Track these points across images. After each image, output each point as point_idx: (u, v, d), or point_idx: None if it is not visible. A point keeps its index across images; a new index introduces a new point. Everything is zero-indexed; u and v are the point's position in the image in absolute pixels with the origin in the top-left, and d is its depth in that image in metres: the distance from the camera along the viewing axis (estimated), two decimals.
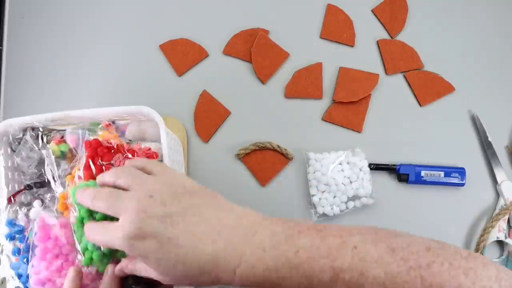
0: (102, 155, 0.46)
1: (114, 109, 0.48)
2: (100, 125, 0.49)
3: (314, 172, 0.60)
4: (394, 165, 0.60)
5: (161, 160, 0.49)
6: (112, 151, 0.47)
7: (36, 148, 0.49)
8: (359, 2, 0.66)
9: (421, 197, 0.61)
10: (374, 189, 0.59)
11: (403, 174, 0.60)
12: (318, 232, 0.34)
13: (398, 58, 0.64)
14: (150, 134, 0.51)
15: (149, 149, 0.49)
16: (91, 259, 0.40)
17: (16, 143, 0.50)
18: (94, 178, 0.43)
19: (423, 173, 0.59)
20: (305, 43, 0.65)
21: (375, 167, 0.60)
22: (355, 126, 0.63)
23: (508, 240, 0.58)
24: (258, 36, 0.65)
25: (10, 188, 0.50)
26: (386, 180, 0.61)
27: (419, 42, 0.64)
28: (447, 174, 0.59)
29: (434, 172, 0.59)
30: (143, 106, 0.48)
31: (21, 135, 0.50)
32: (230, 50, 0.66)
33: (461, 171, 0.59)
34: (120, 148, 0.48)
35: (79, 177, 0.45)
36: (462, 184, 0.59)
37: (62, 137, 0.49)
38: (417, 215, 0.60)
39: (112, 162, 0.46)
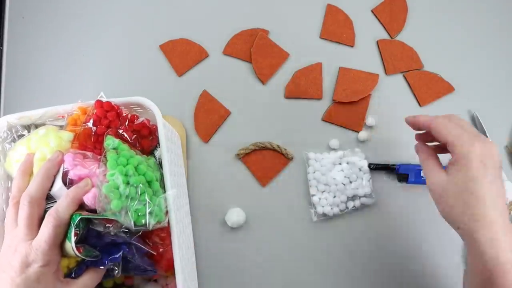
0: (112, 119, 0.46)
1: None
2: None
3: (314, 172, 0.60)
4: (394, 165, 0.60)
5: (157, 150, 0.49)
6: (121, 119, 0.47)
7: None
8: (359, 2, 0.66)
9: (421, 197, 0.61)
10: (374, 189, 0.60)
11: (403, 174, 0.60)
12: None
13: (398, 58, 0.64)
14: None
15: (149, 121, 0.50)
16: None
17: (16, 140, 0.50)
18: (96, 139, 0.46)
19: (422, 173, 0.59)
20: (305, 43, 0.65)
21: (375, 167, 0.60)
22: (355, 126, 0.63)
23: None
24: (258, 36, 0.65)
25: (9, 184, 0.50)
26: (386, 180, 0.61)
27: (418, 42, 0.65)
28: None
29: None
30: (140, 97, 0.48)
31: (25, 132, 0.50)
32: (230, 50, 0.66)
33: None
34: (132, 118, 0.48)
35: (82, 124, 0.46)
36: None
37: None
38: (417, 215, 0.60)
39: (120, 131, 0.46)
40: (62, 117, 0.50)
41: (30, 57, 0.68)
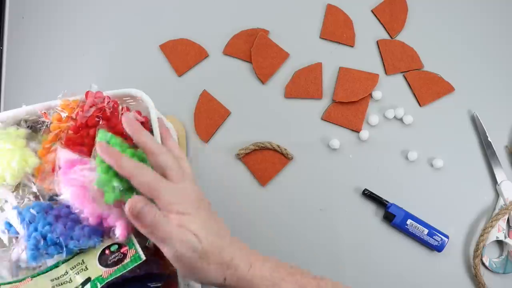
0: (102, 111, 0.45)
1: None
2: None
3: None
4: (387, 201, 0.59)
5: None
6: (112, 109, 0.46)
7: None
8: (359, 2, 0.66)
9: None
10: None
11: (390, 213, 0.58)
12: (297, 282, 0.41)
13: (398, 58, 0.64)
14: None
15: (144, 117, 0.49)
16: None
17: None
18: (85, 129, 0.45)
19: (409, 221, 0.57)
20: (305, 43, 0.65)
21: (369, 194, 0.59)
22: (355, 125, 0.63)
23: (507, 240, 0.58)
24: (258, 36, 0.65)
25: None
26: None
27: (419, 42, 0.64)
28: (430, 234, 0.57)
29: (420, 226, 0.57)
30: (131, 88, 0.48)
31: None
32: (230, 50, 0.66)
33: (443, 237, 0.57)
34: (126, 109, 0.47)
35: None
36: (438, 249, 0.57)
37: None
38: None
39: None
40: (45, 114, 0.48)
41: (30, 57, 0.68)
